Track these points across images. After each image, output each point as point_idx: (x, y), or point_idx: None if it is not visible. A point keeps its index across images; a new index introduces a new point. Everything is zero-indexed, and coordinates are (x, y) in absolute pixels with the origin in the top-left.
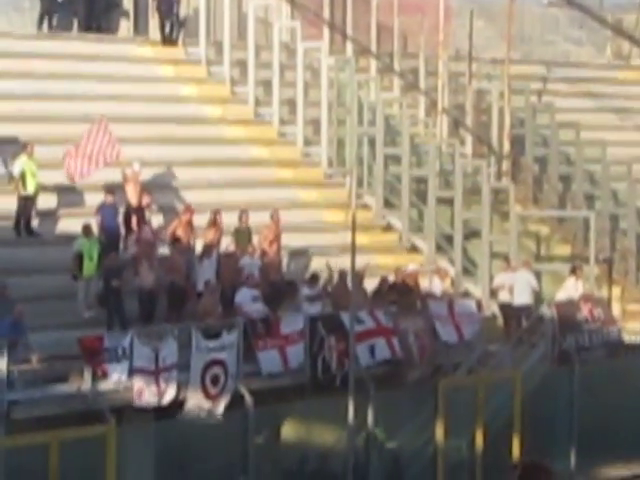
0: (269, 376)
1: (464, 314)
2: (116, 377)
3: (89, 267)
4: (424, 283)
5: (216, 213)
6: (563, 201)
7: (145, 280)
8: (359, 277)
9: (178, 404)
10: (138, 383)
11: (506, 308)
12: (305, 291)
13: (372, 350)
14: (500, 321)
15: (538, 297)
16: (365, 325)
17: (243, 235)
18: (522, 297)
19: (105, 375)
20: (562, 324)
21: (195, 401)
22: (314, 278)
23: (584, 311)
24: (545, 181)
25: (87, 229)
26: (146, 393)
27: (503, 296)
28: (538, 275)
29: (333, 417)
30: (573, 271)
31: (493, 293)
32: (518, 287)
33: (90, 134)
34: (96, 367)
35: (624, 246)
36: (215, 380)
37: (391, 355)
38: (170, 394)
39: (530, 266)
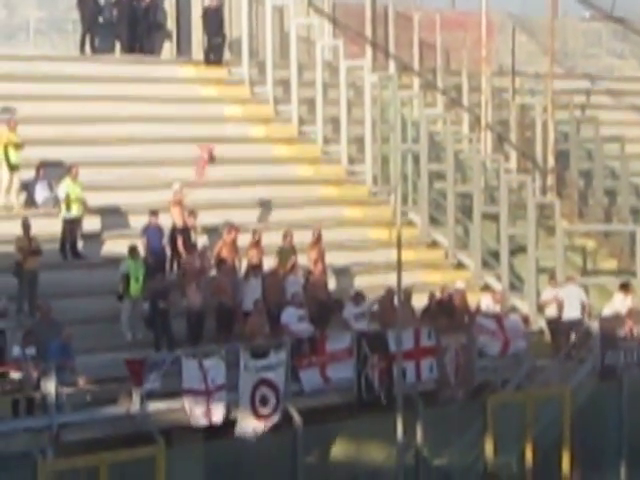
0: (316, 394)
1: (511, 329)
2: (149, 386)
3: (135, 288)
4: (472, 300)
5: (256, 233)
6: (609, 215)
7: (193, 301)
8: (407, 295)
9: (227, 424)
10: (188, 404)
11: (553, 323)
12: (350, 309)
13: (415, 369)
14: (547, 336)
15: (588, 312)
16: (408, 344)
17: (287, 254)
18: (572, 312)
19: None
20: (605, 339)
21: (246, 421)
22: (359, 296)
23: (626, 328)
24: (590, 195)
25: (133, 250)
26: (197, 414)
27: (550, 311)
28: (585, 290)
29: (382, 435)
30: (623, 287)
31: (540, 308)
32: (568, 302)
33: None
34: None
35: None
36: (264, 400)
37: (431, 374)
38: (219, 414)
39: (575, 280)
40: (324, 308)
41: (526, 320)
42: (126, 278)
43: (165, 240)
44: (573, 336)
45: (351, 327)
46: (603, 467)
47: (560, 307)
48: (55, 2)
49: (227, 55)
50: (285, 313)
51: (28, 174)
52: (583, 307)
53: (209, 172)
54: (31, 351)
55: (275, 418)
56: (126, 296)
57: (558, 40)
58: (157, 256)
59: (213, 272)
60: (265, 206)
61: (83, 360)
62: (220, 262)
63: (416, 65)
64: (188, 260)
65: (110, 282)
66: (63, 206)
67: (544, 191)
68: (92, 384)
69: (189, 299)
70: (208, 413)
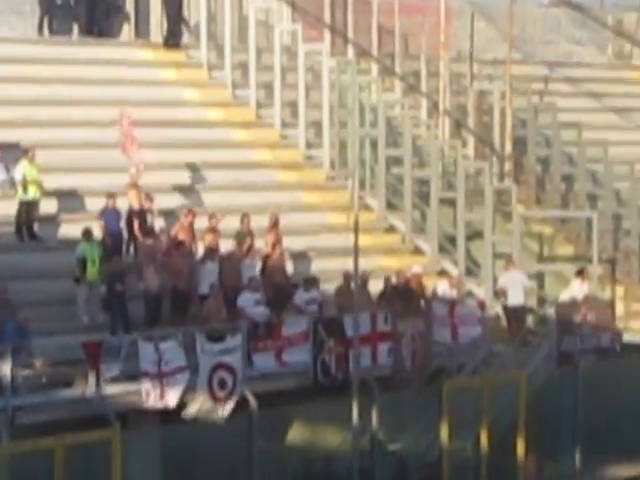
0: (272, 378)
1: (465, 315)
2: (108, 374)
3: (92, 271)
4: (428, 284)
5: (216, 217)
6: (566, 201)
7: (150, 284)
8: (364, 280)
9: (184, 408)
10: (145, 386)
11: (508, 309)
12: (301, 294)
13: (372, 354)
14: (504, 322)
15: (541, 298)
16: (364, 329)
17: (244, 238)
18: (515, 298)
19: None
20: (561, 325)
21: (201, 404)
22: (309, 281)
23: (581, 315)
24: (547, 181)
25: (88, 233)
26: (153, 397)
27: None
28: (541, 276)
29: (337, 419)
30: (579, 273)
31: (496, 294)
32: (511, 288)
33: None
34: (99, 370)
35: (627, 246)
36: (222, 384)
37: (388, 359)
38: (174, 398)
39: (515, 266)
40: (281, 292)
41: (482, 306)
42: (82, 261)
43: (122, 223)
44: (529, 321)
45: (303, 312)
46: (558, 452)
47: (504, 294)
48: None
49: (186, 38)
50: (241, 297)
51: None
52: (526, 293)
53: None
54: None
55: (233, 401)
56: (82, 279)
57: (516, 26)
58: (115, 239)
59: (170, 255)
60: (223, 190)
61: (39, 342)
62: (177, 245)
63: (374, 50)
64: (145, 243)
65: (67, 265)
66: (20, 188)
67: (501, 177)
68: (48, 367)
69: (146, 282)
70: (162, 396)
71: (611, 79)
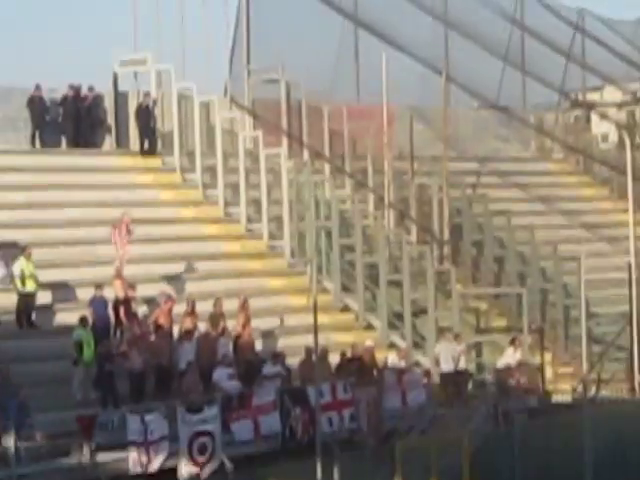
0: (245, 444)
1: (412, 382)
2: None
3: (88, 354)
4: (380, 356)
5: (192, 302)
6: (498, 279)
7: (134, 363)
8: (323, 354)
9: (167, 472)
10: (132, 454)
11: (443, 375)
12: (269, 367)
13: (334, 419)
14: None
15: (479, 365)
16: (326, 397)
17: (218, 320)
18: (447, 365)
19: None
20: (498, 388)
21: (184, 468)
22: (276, 356)
23: (515, 378)
24: (482, 263)
25: (84, 320)
26: (138, 463)
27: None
28: (479, 345)
29: (304, 477)
30: (512, 342)
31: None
32: (443, 356)
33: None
34: (92, 441)
35: (553, 317)
36: (203, 449)
37: (348, 424)
38: (158, 463)
39: (446, 337)
40: (251, 367)
41: (427, 373)
42: (79, 345)
43: (109, 309)
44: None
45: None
46: None
47: (437, 361)
48: (9, 102)
49: (160, 146)
50: (216, 372)
51: None
52: (455, 360)
53: (145, 249)
54: None
55: (214, 464)
56: (79, 361)
57: (450, 127)
58: (103, 324)
59: (152, 337)
60: (197, 278)
61: (39, 418)
62: (158, 328)
63: (327, 152)
64: (129, 327)
65: (61, 348)
66: (18, 282)
67: (441, 260)
68: (47, 439)
69: (131, 361)
70: (148, 462)
71: (534, 171)
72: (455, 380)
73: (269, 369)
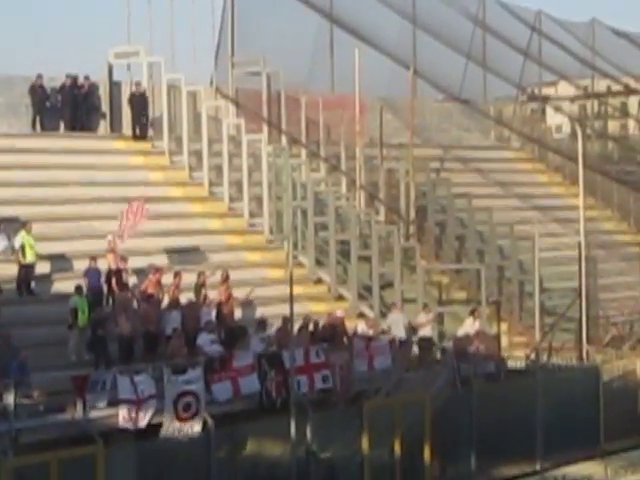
0: (225, 402)
1: (379, 349)
2: (100, 406)
3: (82, 319)
4: (350, 325)
5: (177, 274)
6: (459, 256)
7: (124, 329)
8: (304, 323)
9: (155, 427)
10: (122, 411)
11: (422, 341)
12: (258, 334)
13: (306, 381)
14: (412, 353)
15: (441, 333)
16: (299, 361)
17: (201, 290)
18: (399, 332)
19: (91, 405)
20: (458, 355)
21: (169, 424)
22: (262, 323)
23: (474, 346)
24: (444, 241)
25: (79, 289)
26: (130, 419)
27: (422, 331)
28: (441, 315)
29: (279, 434)
30: (472, 313)
31: (414, 329)
32: (395, 325)
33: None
34: (85, 399)
35: (509, 291)
36: (187, 407)
37: (321, 385)
38: (146, 419)
39: (398, 307)
40: (232, 333)
41: (392, 341)
42: (74, 311)
43: (102, 280)
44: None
45: (252, 348)
46: (457, 457)
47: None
48: (11, 90)
49: (151, 131)
50: (200, 337)
51: None
52: (406, 328)
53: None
54: None
55: (198, 422)
56: (75, 325)
57: (417, 117)
58: (96, 293)
59: (141, 305)
60: (183, 252)
61: (37, 377)
62: (147, 297)
63: (303, 138)
64: (121, 296)
65: (58, 314)
66: (20, 254)
67: (407, 237)
68: (44, 396)
69: (120, 327)
70: (137, 418)
71: (494, 158)
72: (419, 345)
73: (255, 338)
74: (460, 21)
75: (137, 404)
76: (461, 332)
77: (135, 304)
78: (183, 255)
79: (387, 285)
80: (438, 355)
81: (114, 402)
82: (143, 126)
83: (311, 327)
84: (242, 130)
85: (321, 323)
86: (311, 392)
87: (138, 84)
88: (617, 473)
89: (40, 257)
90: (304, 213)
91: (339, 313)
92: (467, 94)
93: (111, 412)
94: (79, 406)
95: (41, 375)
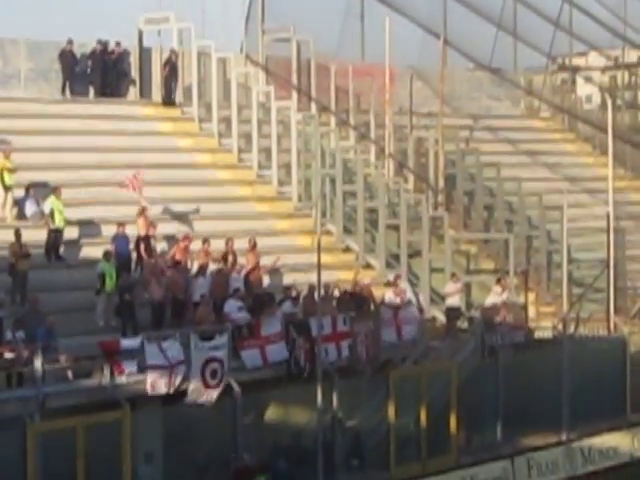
0: (252, 369)
1: (407, 318)
2: (129, 371)
3: (109, 284)
4: (377, 293)
5: (206, 240)
6: (487, 226)
7: (155, 294)
8: (325, 290)
9: (181, 393)
10: (152, 377)
11: (450, 310)
12: (287, 303)
13: (333, 349)
14: (439, 322)
15: (468, 303)
16: (327, 329)
17: (229, 257)
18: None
19: (121, 371)
20: (485, 324)
21: (196, 390)
22: (288, 290)
23: (501, 316)
24: (473, 210)
25: (107, 254)
26: (159, 384)
27: (450, 301)
28: (468, 285)
29: (305, 402)
30: (498, 281)
31: (443, 298)
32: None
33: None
34: (112, 364)
35: (537, 261)
36: (214, 373)
37: (347, 353)
38: (174, 386)
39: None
40: (259, 300)
41: (421, 310)
42: (102, 276)
43: (131, 246)
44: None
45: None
46: (483, 426)
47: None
48: (41, 55)
49: (180, 97)
50: (227, 304)
51: (20, 193)
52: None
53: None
54: (20, 334)
55: (220, 388)
56: (102, 291)
57: (447, 86)
58: (123, 259)
59: (169, 272)
60: (211, 219)
61: (64, 342)
62: (175, 263)
63: (333, 106)
64: (149, 262)
65: (86, 279)
66: (49, 219)
67: (435, 206)
68: (71, 361)
69: (151, 293)
70: (170, 383)
71: (523, 128)
72: (447, 315)
73: (288, 305)
74: None
75: (165, 370)
76: (489, 302)
77: (164, 271)
78: (211, 222)
79: (415, 254)
80: (465, 324)
81: (142, 368)
82: (173, 92)
83: (337, 294)
84: (272, 97)
85: (345, 290)
86: (338, 360)
87: (169, 50)
88: None
89: (69, 222)
90: (332, 181)
91: (365, 281)
92: (497, 63)
93: (138, 378)
94: (106, 371)
95: (68, 340)
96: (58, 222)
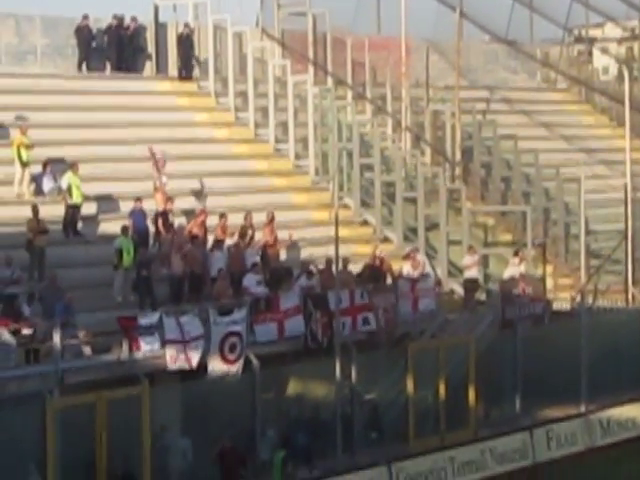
0: (270, 343)
1: (424, 291)
2: (148, 347)
3: (127, 260)
4: (395, 266)
5: (223, 215)
6: (505, 198)
7: (175, 269)
8: (343, 264)
9: (200, 368)
10: (170, 352)
11: (468, 282)
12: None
13: (351, 322)
14: (457, 295)
15: (486, 275)
16: (344, 303)
17: (247, 231)
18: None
19: (138, 347)
20: (503, 297)
21: (215, 365)
22: (305, 264)
23: (519, 288)
24: (490, 182)
25: (125, 229)
26: (177, 359)
27: (469, 273)
28: (486, 258)
29: (323, 375)
30: (516, 253)
31: (461, 271)
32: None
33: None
34: (131, 340)
35: (554, 233)
36: (233, 348)
37: (364, 327)
38: (196, 360)
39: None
40: (277, 274)
41: (439, 283)
42: (119, 252)
43: (149, 221)
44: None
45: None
46: (502, 399)
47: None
48: (57, 31)
49: (197, 72)
50: (246, 278)
51: (37, 169)
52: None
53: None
54: (37, 309)
55: (241, 362)
56: (120, 266)
57: (463, 58)
58: (141, 234)
59: (187, 246)
60: (228, 193)
61: (82, 318)
62: (192, 238)
63: (349, 80)
64: (167, 237)
65: (104, 255)
66: (66, 194)
67: (453, 179)
68: (90, 337)
69: (172, 267)
70: (187, 359)
71: (539, 100)
72: (465, 287)
73: (303, 281)
74: None
75: (184, 345)
76: (507, 274)
77: (182, 245)
78: (228, 196)
79: (432, 227)
80: (483, 297)
81: (161, 343)
82: (189, 67)
83: (354, 268)
84: (288, 71)
85: (362, 264)
86: (356, 334)
87: (185, 25)
88: None
89: (86, 198)
90: (349, 154)
91: (380, 253)
92: (513, 35)
93: (157, 353)
94: (125, 347)
95: (87, 316)
96: (75, 198)
